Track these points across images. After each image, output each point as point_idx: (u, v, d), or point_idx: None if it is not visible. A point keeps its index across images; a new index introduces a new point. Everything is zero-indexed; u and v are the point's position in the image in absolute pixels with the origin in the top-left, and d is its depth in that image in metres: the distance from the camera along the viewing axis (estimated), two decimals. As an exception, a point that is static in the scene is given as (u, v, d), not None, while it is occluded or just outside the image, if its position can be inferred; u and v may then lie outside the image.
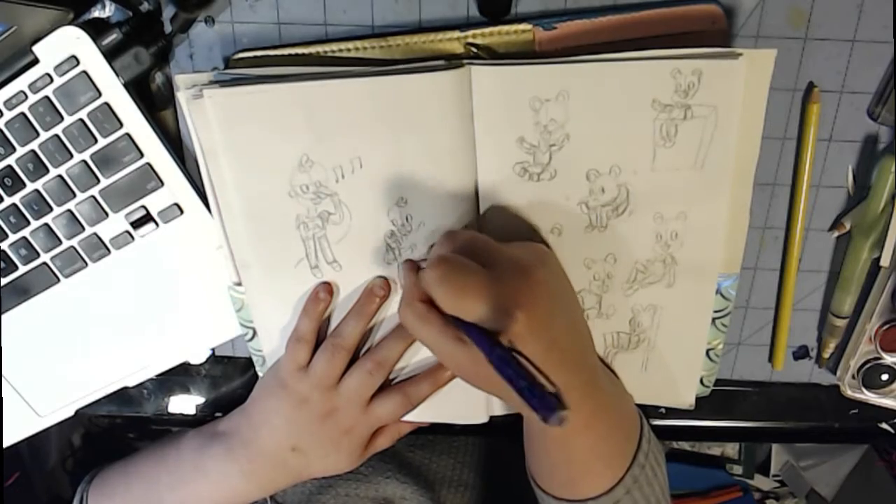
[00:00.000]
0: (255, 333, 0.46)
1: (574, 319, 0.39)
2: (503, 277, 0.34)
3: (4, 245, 0.45)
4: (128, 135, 0.42)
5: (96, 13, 0.42)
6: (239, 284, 0.44)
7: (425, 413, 0.46)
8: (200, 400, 0.53)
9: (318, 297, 0.42)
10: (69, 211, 0.44)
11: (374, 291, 0.42)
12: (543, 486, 0.42)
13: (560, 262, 0.41)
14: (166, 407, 0.53)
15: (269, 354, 0.47)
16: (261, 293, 0.44)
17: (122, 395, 0.51)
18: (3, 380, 0.48)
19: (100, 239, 0.45)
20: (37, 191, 0.43)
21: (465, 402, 0.46)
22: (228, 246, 0.43)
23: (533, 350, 0.33)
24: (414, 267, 0.40)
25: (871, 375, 0.48)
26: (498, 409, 0.46)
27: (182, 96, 0.40)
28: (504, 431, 0.47)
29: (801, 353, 0.50)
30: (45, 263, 0.45)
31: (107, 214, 0.44)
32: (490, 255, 0.35)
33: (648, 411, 0.51)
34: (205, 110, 0.39)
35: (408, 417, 0.46)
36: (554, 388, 0.31)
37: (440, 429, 0.48)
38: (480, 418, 0.47)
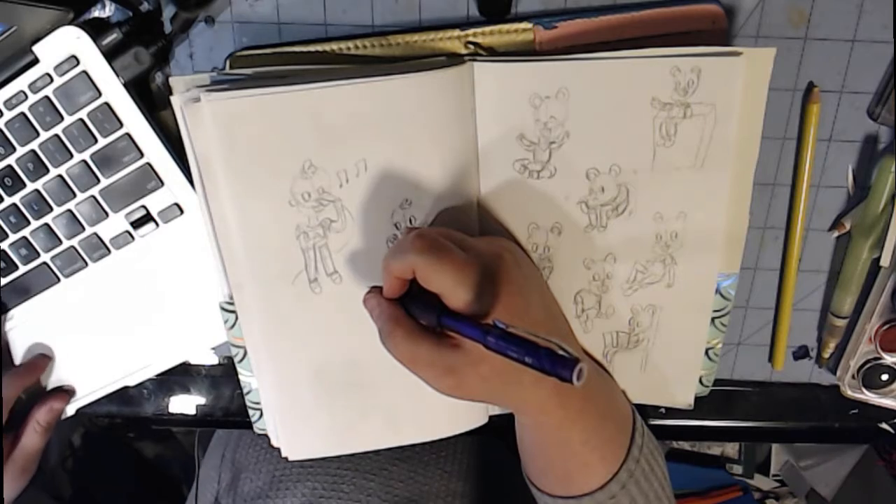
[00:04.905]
0: (245, 354, 0.45)
1: (548, 302, 0.41)
2: (477, 263, 0.35)
3: (4, 245, 0.45)
4: (128, 135, 0.42)
5: (96, 13, 0.42)
6: (231, 302, 0.43)
7: (424, 433, 0.46)
8: (200, 400, 0.53)
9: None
10: (69, 211, 0.44)
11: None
12: (539, 485, 0.42)
13: (523, 251, 0.42)
14: (166, 407, 0.53)
15: (258, 379, 0.45)
16: (254, 313, 0.42)
17: (122, 395, 0.51)
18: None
19: (100, 239, 0.45)
20: (37, 191, 0.43)
21: (463, 408, 0.46)
22: (221, 261, 0.42)
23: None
24: (378, 292, 0.39)
25: (871, 375, 0.48)
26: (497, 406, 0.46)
27: (177, 100, 0.38)
28: (495, 432, 0.47)
29: (801, 353, 0.50)
30: (45, 263, 0.45)
31: (107, 214, 0.44)
32: (462, 245, 0.36)
33: (648, 411, 0.51)
34: (202, 116, 0.37)
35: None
36: (555, 345, 0.29)
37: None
38: (481, 420, 0.46)
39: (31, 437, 0.47)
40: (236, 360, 0.46)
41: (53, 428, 0.48)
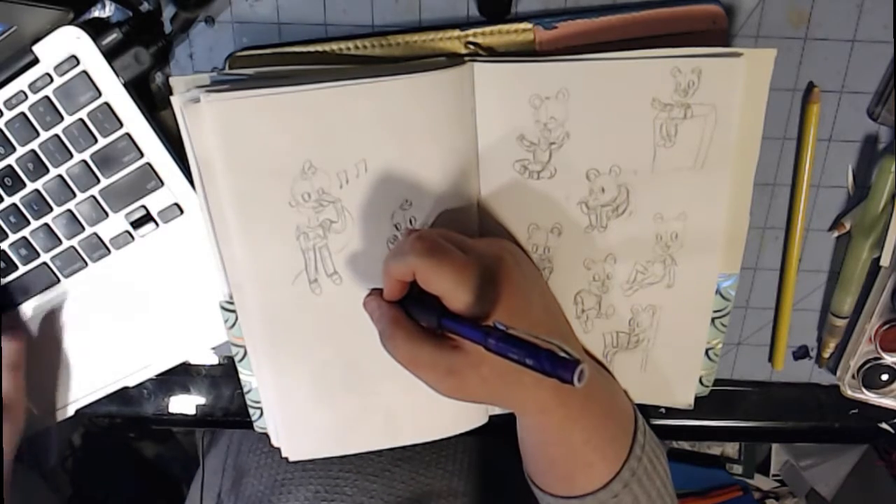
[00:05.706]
0: (245, 353, 0.45)
1: (549, 302, 0.41)
2: (477, 264, 0.35)
3: (4, 245, 0.45)
4: (128, 135, 0.42)
5: (96, 13, 0.42)
6: (231, 302, 0.43)
7: (424, 433, 0.46)
8: (200, 400, 0.53)
9: None
10: (69, 211, 0.44)
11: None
12: (541, 485, 0.42)
13: (523, 252, 0.42)
14: (166, 407, 0.53)
15: (258, 379, 0.45)
16: (254, 313, 0.42)
17: (122, 395, 0.51)
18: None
19: (100, 239, 0.45)
20: (37, 191, 0.43)
21: (463, 408, 0.45)
22: (221, 261, 0.42)
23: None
24: (379, 294, 0.39)
25: (871, 375, 0.48)
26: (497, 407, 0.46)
27: (177, 100, 0.38)
28: (495, 432, 0.47)
29: (801, 353, 0.50)
30: (45, 263, 0.45)
31: (107, 214, 0.44)
32: (462, 246, 0.36)
33: (648, 411, 0.51)
34: (202, 116, 0.37)
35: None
36: (556, 347, 0.29)
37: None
38: (481, 420, 0.46)
39: (6, 383, 0.44)
40: (236, 359, 0.46)
41: (23, 363, 0.44)
